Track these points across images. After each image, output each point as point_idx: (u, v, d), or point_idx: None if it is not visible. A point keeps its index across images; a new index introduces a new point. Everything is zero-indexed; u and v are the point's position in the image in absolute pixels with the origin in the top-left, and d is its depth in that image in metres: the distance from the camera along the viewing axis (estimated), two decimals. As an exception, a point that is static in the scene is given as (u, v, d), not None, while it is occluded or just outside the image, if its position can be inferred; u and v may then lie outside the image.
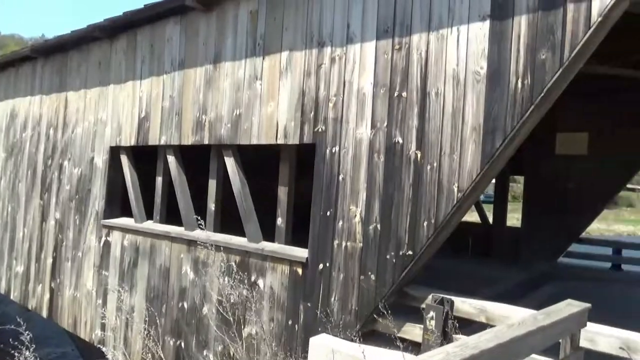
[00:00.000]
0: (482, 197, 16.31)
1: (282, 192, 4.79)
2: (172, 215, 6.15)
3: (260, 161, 7.20)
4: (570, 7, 3.08)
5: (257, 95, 4.99)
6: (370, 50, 4.14)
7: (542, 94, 3.18)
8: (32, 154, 8.27)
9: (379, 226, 3.90)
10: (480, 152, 3.42)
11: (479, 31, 3.49)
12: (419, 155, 3.74)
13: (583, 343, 2.95)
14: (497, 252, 8.53)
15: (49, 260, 7.51)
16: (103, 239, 6.58)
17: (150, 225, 6.08)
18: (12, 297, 8.28)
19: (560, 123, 7.52)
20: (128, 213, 6.56)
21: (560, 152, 7.57)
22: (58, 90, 7.85)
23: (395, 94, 3.93)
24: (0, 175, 9.13)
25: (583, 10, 3.03)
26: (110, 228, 6.49)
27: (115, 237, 6.40)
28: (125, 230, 6.30)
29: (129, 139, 6.44)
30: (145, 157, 6.74)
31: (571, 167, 7.52)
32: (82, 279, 6.82)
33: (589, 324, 2.94)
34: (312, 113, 4.49)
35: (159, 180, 6.19)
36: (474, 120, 3.47)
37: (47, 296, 7.45)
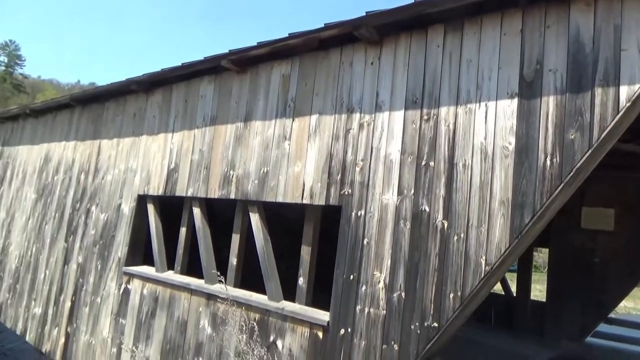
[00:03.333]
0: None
1: (305, 252, 4.81)
2: (191, 268, 6.21)
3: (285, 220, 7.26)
4: (598, 91, 3.18)
5: (285, 155, 5.13)
6: (399, 119, 4.28)
7: (572, 173, 3.22)
8: (62, 197, 8.52)
9: (403, 294, 3.87)
10: (509, 227, 3.43)
11: (507, 108, 3.59)
12: (445, 225, 3.76)
13: None
14: (520, 325, 8.28)
15: (67, 304, 7.55)
16: (123, 286, 6.63)
17: (171, 275, 6.12)
18: (27, 339, 8.27)
19: (587, 197, 7.48)
20: (150, 261, 6.64)
21: (585, 227, 7.47)
22: (92, 138, 8.18)
23: (423, 163, 4.01)
24: (28, 216, 9.38)
25: (611, 95, 3.12)
26: (131, 276, 6.55)
27: (135, 285, 6.45)
28: (145, 279, 6.34)
29: (157, 189, 6.61)
30: (169, 207, 6.90)
31: (597, 242, 7.40)
32: (98, 325, 6.82)
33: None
34: (339, 176, 4.59)
35: (183, 231, 6.29)
36: (502, 194, 3.50)
37: (62, 340, 7.43)
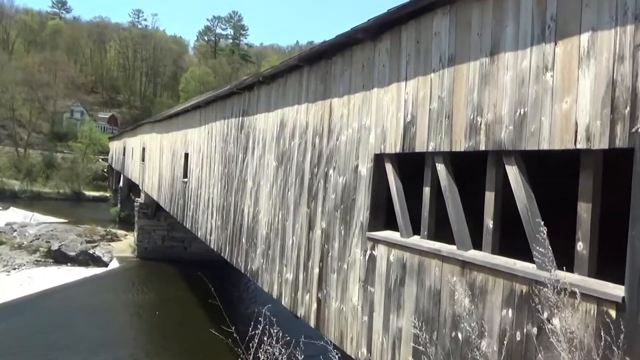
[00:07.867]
0: None
1: (584, 210, 4.38)
2: (438, 231, 6.31)
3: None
4: None
5: (548, 90, 4.71)
6: None
7: None
8: (300, 163, 9.60)
9: None
10: None
11: None
12: None
13: None
14: None
15: (316, 270, 8.58)
16: (368, 252, 7.17)
17: (418, 241, 6.34)
18: (282, 303, 9.76)
19: None
20: (392, 225, 7.00)
21: None
22: (323, 98, 8.92)
23: None
24: (272, 183, 10.90)
25: None
26: (375, 241, 7.02)
27: (381, 251, 6.90)
28: (391, 244, 6.72)
29: (393, 146, 6.86)
30: (409, 165, 7.09)
31: None
32: (347, 292, 7.57)
33: None
34: (628, 109, 3.99)
35: (427, 191, 6.41)
36: None
37: (314, 306, 8.53)
